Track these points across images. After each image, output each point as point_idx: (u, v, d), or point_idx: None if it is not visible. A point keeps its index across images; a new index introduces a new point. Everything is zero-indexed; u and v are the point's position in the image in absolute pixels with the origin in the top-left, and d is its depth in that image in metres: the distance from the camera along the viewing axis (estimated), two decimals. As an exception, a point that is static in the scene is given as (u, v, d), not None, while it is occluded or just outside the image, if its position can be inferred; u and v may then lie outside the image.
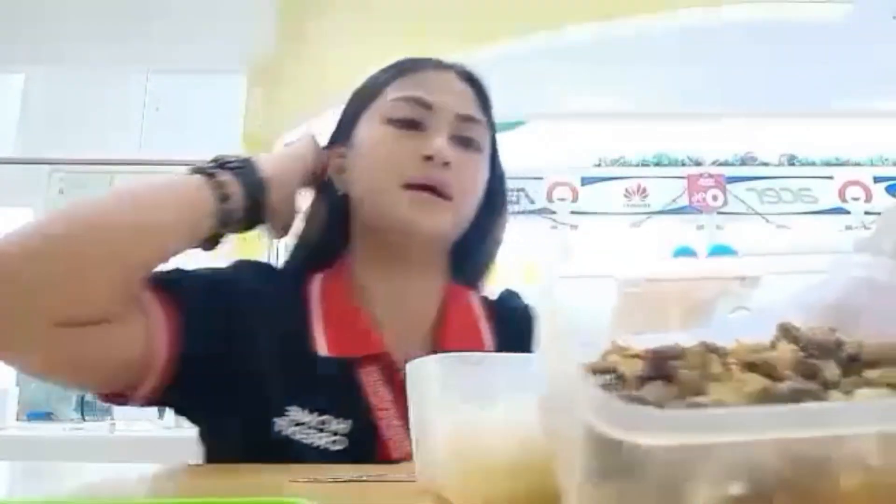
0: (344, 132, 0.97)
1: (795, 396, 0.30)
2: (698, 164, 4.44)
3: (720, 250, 3.91)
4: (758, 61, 4.08)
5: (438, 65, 0.96)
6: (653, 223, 4.32)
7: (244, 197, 0.82)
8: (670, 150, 4.51)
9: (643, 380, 0.32)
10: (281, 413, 0.79)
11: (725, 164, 4.44)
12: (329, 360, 0.85)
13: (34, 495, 0.46)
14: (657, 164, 4.47)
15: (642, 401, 0.29)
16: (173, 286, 0.80)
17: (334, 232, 0.98)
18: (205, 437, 0.88)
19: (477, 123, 0.93)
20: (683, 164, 4.45)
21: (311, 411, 0.80)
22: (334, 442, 0.80)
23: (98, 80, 4.63)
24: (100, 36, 4.13)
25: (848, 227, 4.28)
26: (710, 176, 4.37)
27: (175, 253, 0.79)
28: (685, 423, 0.26)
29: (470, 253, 0.98)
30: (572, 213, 4.28)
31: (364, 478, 0.59)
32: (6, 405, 3.21)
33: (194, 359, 0.79)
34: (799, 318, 0.38)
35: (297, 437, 0.78)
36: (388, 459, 0.80)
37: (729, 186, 4.34)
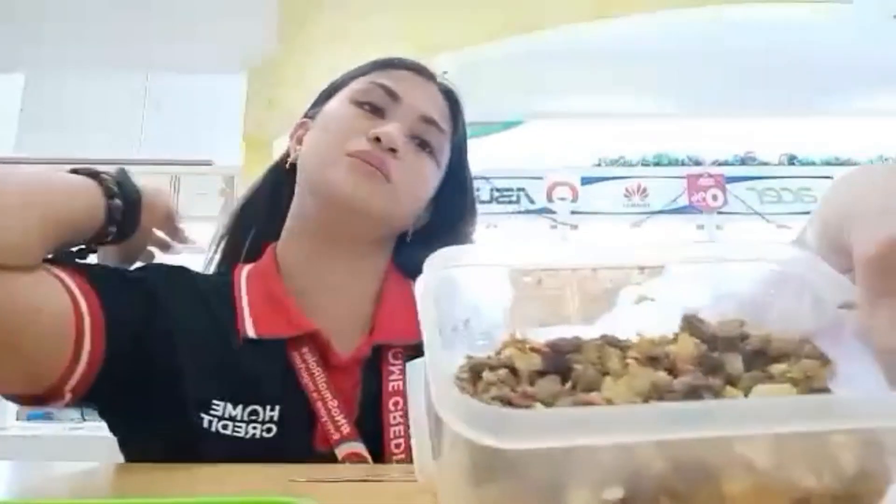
0: (314, 108, 0.99)
1: (690, 393, 0.29)
2: (698, 163, 4.44)
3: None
4: (758, 61, 4.08)
5: (421, 70, 0.97)
6: (653, 223, 4.32)
7: (124, 202, 0.82)
8: (670, 150, 4.51)
9: (538, 374, 0.31)
10: (207, 409, 0.77)
11: (725, 163, 4.44)
12: (256, 342, 0.84)
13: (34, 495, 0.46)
14: (657, 164, 4.47)
15: (527, 398, 0.28)
16: (93, 274, 0.79)
17: (272, 216, 0.98)
18: (127, 438, 0.86)
19: (439, 131, 0.93)
20: (683, 164, 4.45)
21: (237, 404, 0.78)
22: (268, 430, 0.77)
23: (98, 80, 4.63)
24: (100, 36, 4.13)
25: (848, 227, 4.28)
26: (710, 176, 4.37)
27: (74, 234, 0.78)
28: (552, 425, 0.24)
29: (418, 252, 0.97)
30: (572, 212, 4.28)
31: (367, 478, 0.59)
32: (6, 405, 3.21)
33: (118, 352, 0.77)
34: (712, 311, 0.36)
35: (228, 431, 0.76)
36: (326, 444, 0.78)
37: (729, 186, 4.34)
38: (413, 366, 0.48)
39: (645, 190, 4.37)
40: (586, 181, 4.37)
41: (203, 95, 4.59)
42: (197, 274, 0.95)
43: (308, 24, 3.95)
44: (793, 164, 4.44)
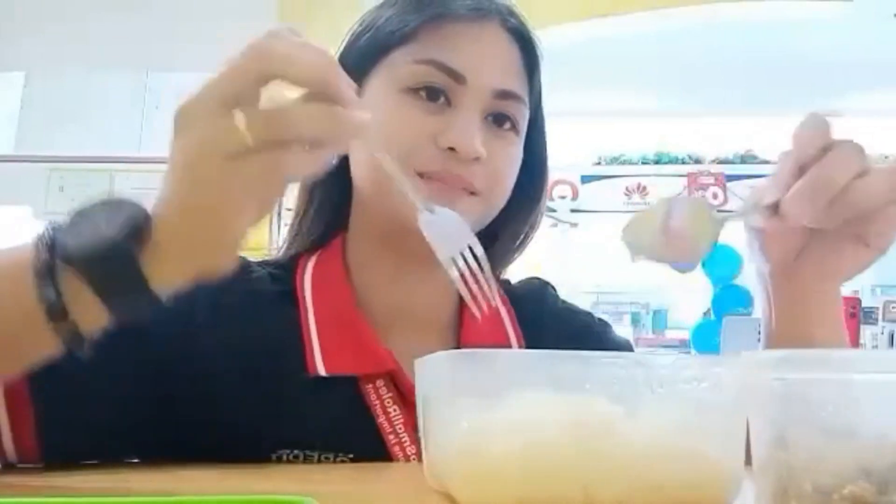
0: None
1: None
2: (698, 161, 4.44)
3: (720, 248, 3.91)
4: (758, 59, 4.07)
5: (480, 12, 0.72)
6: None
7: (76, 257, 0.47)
8: (670, 148, 4.51)
9: None
10: (270, 454, 0.67)
11: (726, 161, 4.44)
12: (325, 380, 0.69)
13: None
14: (657, 162, 4.47)
15: None
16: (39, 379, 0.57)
17: (331, 202, 0.80)
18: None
19: (517, 102, 0.74)
20: (684, 162, 4.45)
21: (304, 449, 0.67)
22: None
23: (98, 79, 4.63)
24: (99, 35, 4.12)
25: (848, 225, 4.28)
26: (711, 174, 4.37)
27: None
28: None
29: (494, 240, 0.80)
30: (572, 210, 4.28)
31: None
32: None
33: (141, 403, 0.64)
34: None
35: (299, 460, 0.67)
36: None
37: (729, 184, 4.34)
38: (421, 363, 0.47)
39: (645, 188, 4.37)
40: (586, 179, 4.38)
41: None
42: (250, 276, 0.75)
43: (307, 24, 3.94)
44: (793, 161, 4.43)
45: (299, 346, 0.70)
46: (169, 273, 0.48)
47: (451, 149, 0.69)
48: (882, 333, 3.72)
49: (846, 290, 3.36)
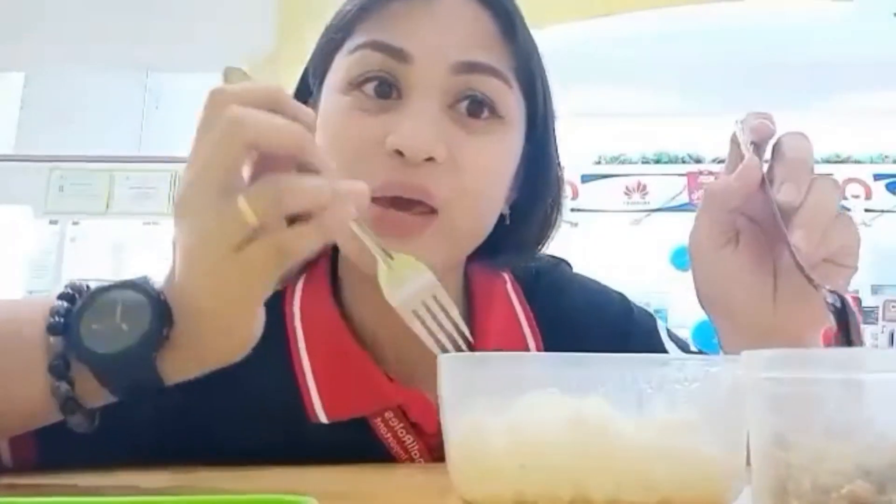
0: (309, 89, 0.67)
1: None
2: (698, 161, 4.44)
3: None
4: (758, 58, 4.07)
5: None
6: (653, 221, 4.32)
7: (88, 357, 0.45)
8: (670, 148, 4.51)
9: None
10: None
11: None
12: (332, 426, 0.63)
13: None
14: (657, 162, 4.47)
15: None
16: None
17: None
18: None
19: (492, 76, 0.59)
20: (684, 162, 4.46)
21: None
22: None
23: (98, 78, 4.63)
24: (100, 35, 4.13)
25: (848, 225, 4.28)
26: (711, 173, 4.37)
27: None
28: None
29: (503, 238, 0.68)
30: (572, 210, 4.28)
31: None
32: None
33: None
34: None
35: None
36: None
37: (729, 184, 4.33)
38: (439, 363, 0.46)
39: (645, 188, 4.38)
40: (586, 179, 4.38)
41: (203, 94, 4.58)
42: None
43: (307, 23, 3.94)
44: (793, 161, 4.43)
45: (296, 393, 0.63)
46: (183, 368, 0.47)
47: (398, 152, 0.56)
48: (882, 333, 3.72)
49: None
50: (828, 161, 4.40)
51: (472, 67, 0.59)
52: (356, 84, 0.59)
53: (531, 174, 0.67)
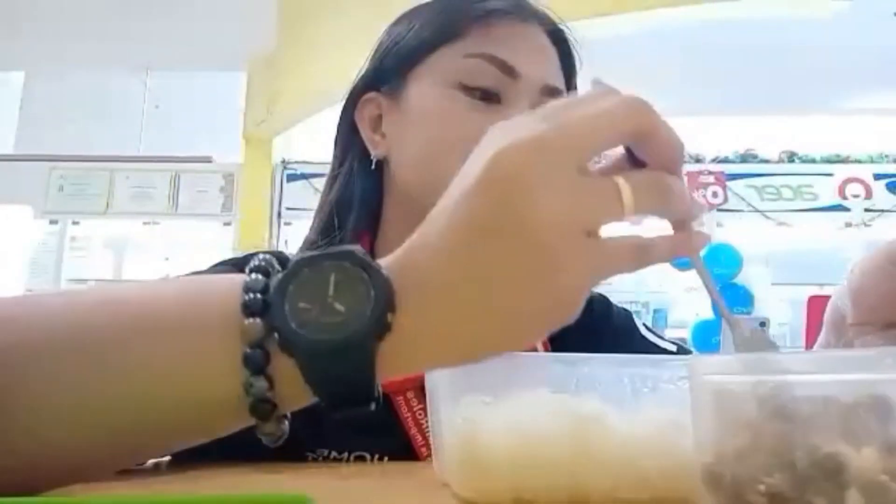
0: (385, 79, 0.74)
1: None
2: (698, 160, 4.44)
3: (720, 248, 3.91)
4: (758, 58, 4.07)
5: (524, 14, 0.73)
6: (653, 221, 4.31)
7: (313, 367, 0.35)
8: (670, 148, 4.51)
9: None
10: (307, 452, 0.68)
11: (726, 161, 4.44)
12: None
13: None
14: (657, 162, 4.47)
15: None
16: None
17: (362, 209, 0.75)
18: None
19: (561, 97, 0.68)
20: (684, 161, 4.45)
21: (342, 451, 0.68)
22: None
23: (98, 78, 4.63)
24: (100, 35, 4.13)
25: (848, 224, 4.29)
26: (711, 173, 4.38)
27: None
28: None
29: None
30: (572, 210, 4.28)
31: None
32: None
33: None
34: None
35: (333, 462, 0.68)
36: None
37: (729, 183, 4.34)
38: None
39: (645, 187, 4.37)
40: (586, 179, 4.38)
41: (203, 93, 4.59)
42: None
43: (307, 22, 3.94)
44: (793, 161, 4.44)
45: None
46: (398, 367, 0.36)
47: None
48: (882, 332, 3.72)
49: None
50: (827, 160, 4.41)
51: (553, 91, 0.71)
52: (468, 88, 0.69)
53: None
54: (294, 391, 0.35)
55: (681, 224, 0.40)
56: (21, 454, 0.36)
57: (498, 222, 0.33)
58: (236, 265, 0.71)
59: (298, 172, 4.40)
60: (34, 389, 0.35)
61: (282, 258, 0.38)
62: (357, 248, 0.35)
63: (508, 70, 0.68)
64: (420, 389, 0.68)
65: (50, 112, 4.67)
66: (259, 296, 0.35)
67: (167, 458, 0.68)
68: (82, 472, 0.39)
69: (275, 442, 0.37)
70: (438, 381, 0.45)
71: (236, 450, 0.63)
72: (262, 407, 0.35)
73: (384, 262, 0.35)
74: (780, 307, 3.97)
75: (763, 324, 3.02)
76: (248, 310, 0.34)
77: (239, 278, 0.36)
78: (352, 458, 0.68)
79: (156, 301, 0.38)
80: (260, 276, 0.36)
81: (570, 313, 0.35)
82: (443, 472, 0.46)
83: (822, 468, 0.29)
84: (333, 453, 0.68)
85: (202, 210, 4.36)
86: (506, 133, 0.35)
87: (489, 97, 0.69)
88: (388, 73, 0.74)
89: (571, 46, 0.76)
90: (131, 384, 0.35)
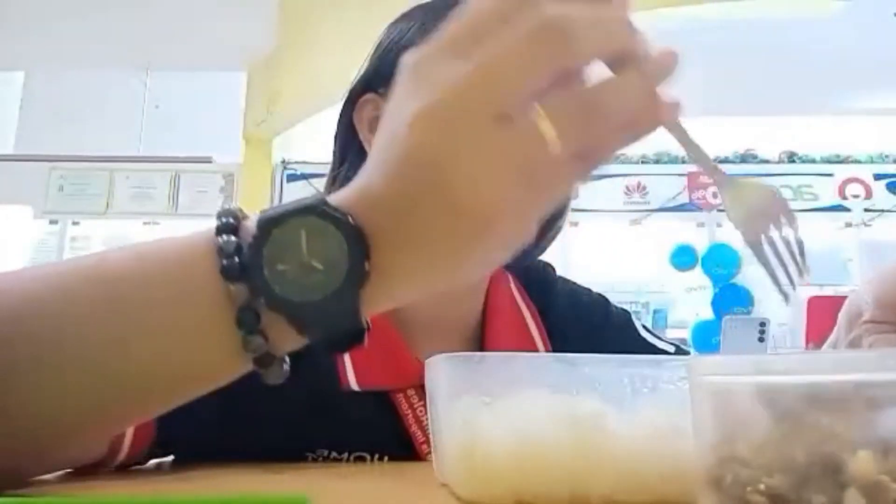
0: (382, 80, 0.72)
1: None
2: (698, 161, 4.44)
3: (720, 248, 3.92)
4: (758, 58, 4.08)
5: None
6: (653, 221, 4.32)
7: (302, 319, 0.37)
8: (670, 148, 4.52)
9: None
10: (308, 452, 0.69)
11: (725, 161, 4.44)
12: (358, 394, 0.70)
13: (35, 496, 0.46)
14: (657, 162, 4.48)
15: None
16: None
17: None
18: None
19: None
20: (684, 162, 4.45)
21: (343, 451, 0.69)
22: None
23: (98, 78, 4.63)
24: (100, 34, 4.13)
25: (848, 225, 4.29)
26: (710, 173, 4.38)
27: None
28: None
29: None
30: (572, 210, 4.26)
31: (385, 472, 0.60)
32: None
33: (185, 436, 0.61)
34: None
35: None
36: None
37: (729, 184, 4.34)
38: (429, 364, 0.48)
39: (645, 187, 4.38)
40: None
41: (203, 93, 4.59)
42: None
43: (307, 22, 3.94)
44: (793, 161, 4.44)
45: (331, 359, 0.69)
46: (390, 302, 0.38)
47: None
48: (882, 333, 3.72)
49: (846, 289, 3.37)
50: (827, 161, 4.41)
51: None
52: None
53: None
54: (289, 341, 0.38)
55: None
56: (22, 433, 0.39)
57: (431, 196, 0.34)
58: None
59: (298, 172, 4.40)
60: (29, 377, 0.38)
61: (241, 217, 0.39)
62: (318, 200, 0.36)
63: None
64: (420, 387, 0.69)
65: (50, 112, 4.67)
66: (236, 259, 0.36)
67: (169, 459, 0.68)
68: (79, 442, 0.42)
69: (280, 379, 0.39)
70: (438, 381, 0.45)
71: (236, 450, 0.65)
72: (265, 359, 0.37)
73: (344, 206, 0.36)
74: (780, 307, 3.97)
75: (763, 324, 3.02)
76: (229, 274, 0.36)
77: (210, 239, 0.37)
78: (352, 458, 0.68)
79: (143, 280, 0.39)
80: (232, 238, 0.37)
81: (510, 241, 0.36)
82: (442, 472, 0.46)
83: (821, 468, 0.29)
84: (333, 453, 0.68)
85: (202, 210, 4.36)
86: (419, 84, 0.34)
87: None
88: (385, 74, 0.72)
89: None
90: (133, 365, 0.38)
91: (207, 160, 4.43)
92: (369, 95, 0.74)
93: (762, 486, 0.30)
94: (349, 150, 0.77)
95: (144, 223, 4.48)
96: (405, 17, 0.76)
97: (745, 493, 0.30)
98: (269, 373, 0.38)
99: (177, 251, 0.40)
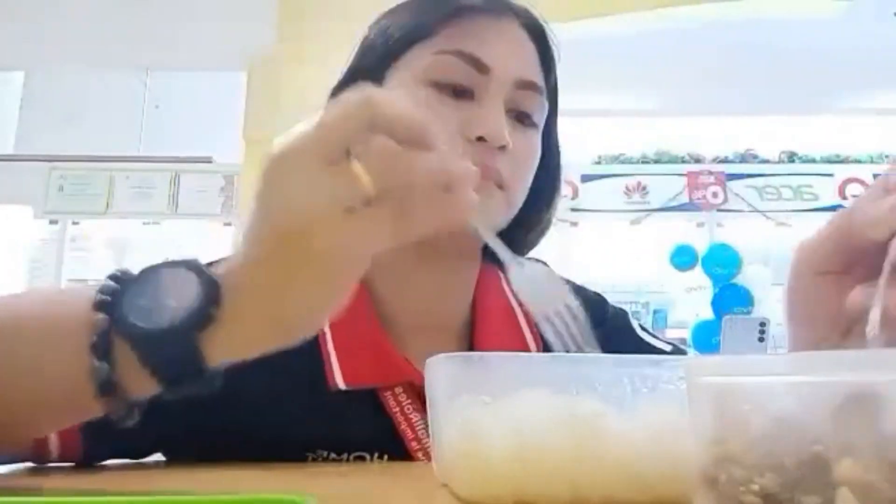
0: (363, 77, 0.74)
1: None
2: (698, 161, 4.44)
3: (720, 248, 3.92)
4: (758, 58, 4.08)
5: (497, 8, 0.73)
6: (653, 220, 4.32)
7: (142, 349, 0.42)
8: (670, 148, 4.52)
9: None
10: (306, 454, 0.68)
11: (726, 161, 4.45)
12: (348, 393, 0.69)
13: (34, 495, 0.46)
14: (657, 162, 4.48)
15: None
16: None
17: None
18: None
19: (537, 93, 0.73)
20: (684, 162, 4.46)
21: (341, 452, 0.69)
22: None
23: (98, 78, 4.63)
24: (100, 35, 4.13)
25: (848, 225, 4.29)
26: (711, 173, 4.38)
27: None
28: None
29: (516, 229, 0.77)
30: (572, 210, 4.28)
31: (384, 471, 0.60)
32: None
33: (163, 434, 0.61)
34: None
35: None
36: None
37: (729, 184, 4.34)
38: (429, 365, 0.48)
39: (645, 187, 4.38)
40: (586, 178, 4.38)
41: (203, 94, 4.59)
42: None
43: (307, 23, 3.95)
44: (793, 161, 4.44)
45: (318, 359, 0.69)
46: (229, 350, 0.43)
47: (480, 139, 0.67)
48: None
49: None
50: (827, 160, 4.41)
51: (528, 85, 0.72)
52: (440, 84, 0.69)
53: (544, 167, 0.77)
54: (134, 373, 0.42)
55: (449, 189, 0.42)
56: None
57: (269, 220, 0.42)
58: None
59: (298, 172, 4.39)
60: None
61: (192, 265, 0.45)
62: (194, 259, 0.44)
63: (478, 65, 0.69)
64: (409, 385, 0.69)
65: (50, 112, 4.67)
66: (108, 297, 0.43)
67: (170, 458, 0.68)
68: None
69: (123, 421, 0.44)
70: (438, 381, 0.45)
71: (237, 450, 0.65)
72: (106, 387, 0.42)
73: (220, 268, 0.43)
74: (780, 308, 3.96)
75: (763, 324, 3.02)
76: (98, 306, 0.43)
77: (99, 285, 0.44)
78: (352, 458, 0.68)
79: (28, 306, 0.48)
80: (112, 283, 0.44)
81: (344, 281, 0.44)
82: (442, 472, 0.46)
83: (811, 468, 0.30)
84: (333, 454, 0.68)
85: (202, 210, 4.36)
86: (269, 152, 0.43)
87: (461, 93, 0.69)
88: (365, 72, 0.74)
89: (549, 39, 0.76)
90: (8, 375, 0.45)
91: (207, 160, 4.43)
92: None
93: (755, 486, 0.31)
94: None
95: (144, 223, 4.47)
96: (384, 16, 0.77)
97: (738, 493, 0.31)
98: (111, 405, 0.43)
99: (72, 291, 0.47)
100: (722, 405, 0.34)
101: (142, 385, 0.43)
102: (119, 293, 0.43)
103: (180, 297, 0.42)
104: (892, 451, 0.28)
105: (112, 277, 0.44)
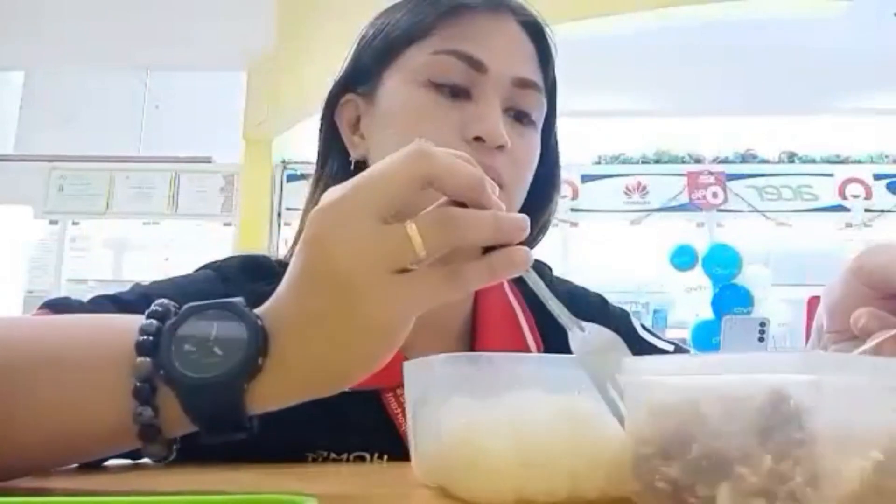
0: (361, 78, 0.75)
1: None
2: (698, 161, 4.44)
3: (720, 248, 3.92)
4: (758, 59, 4.08)
5: (494, 6, 0.73)
6: (653, 221, 4.32)
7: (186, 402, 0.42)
8: (670, 148, 4.52)
9: None
10: (309, 452, 0.68)
11: (726, 161, 4.45)
12: (350, 394, 0.74)
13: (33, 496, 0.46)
14: (657, 162, 4.48)
15: None
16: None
17: None
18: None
19: (535, 91, 0.73)
20: (684, 162, 4.46)
21: (342, 452, 0.69)
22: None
23: (98, 78, 4.63)
24: (100, 34, 4.13)
25: (848, 225, 4.29)
26: (711, 173, 4.38)
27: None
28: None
29: None
30: (572, 210, 4.29)
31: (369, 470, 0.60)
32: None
33: None
34: None
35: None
36: None
37: (729, 184, 4.34)
38: (410, 366, 0.48)
39: (645, 187, 4.38)
40: (586, 178, 4.38)
41: (203, 94, 4.59)
42: (273, 280, 0.70)
43: (307, 23, 3.95)
44: (793, 161, 4.44)
45: None
46: (271, 400, 0.44)
47: (478, 138, 0.67)
48: (882, 333, 3.72)
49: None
50: (827, 161, 4.41)
51: (526, 83, 0.71)
52: (437, 84, 0.69)
53: (543, 166, 0.77)
54: (175, 419, 0.42)
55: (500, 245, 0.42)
56: None
57: (317, 273, 0.41)
58: (218, 269, 0.74)
59: (298, 173, 4.39)
60: None
61: (172, 308, 0.45)
62: (238, 300, 0.43)
63: (476, 64, 0.68)
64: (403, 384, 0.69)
65: (50, 112, 4.67)
66: (150, 338, 0.42)
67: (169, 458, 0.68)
68: None
69: (160, 461, 0.45)
70: (438, 382, 0.45)
71: (237, 450, 0.65)
72: (149, 432, 0.43)
73: (261, 311, 0.43)
74: (780, 307, 3.97)
75: (763, 324, 3.02)
76: (140, 350, 0.42)
77: (137, 321, 0.44)
78: (352, 458, 0.68)
79: (66, 340, 0.46)
80: (154, 322, 0.43)
81: (392, 342, 0.43)
82: (430, 474, 0.46)
83: (708, 462, 0.33)
84: (333, 454, 0.68)
85: (202, 210, 4.36)
86: (322, 200, 0.42)
87: (458, 93, 0.69)
88: (363, 73, 0.75)
89: (546, 38, 0.75)
90: (41, 412, 0.44)
91: (207, 160, 4.43)
92: (349, 96, 0.76)
93: (663, 474, 0.35)
94: (331, 152, 0.78)
95: (144, 223, 4.48)
96: (381, 16, 0.77)
97: (654, 480, 0.35)
98: (151, 449, 0.43)
99: (107, 327, 0.46)
100: (648, 401, 0.37)
101: (182, 429, 0.43)
102: (161, 333, 0.42)
103: (226, 346, 0.42)
104: (786, 452, 0.30)
105: (154, 315, 0.44)
